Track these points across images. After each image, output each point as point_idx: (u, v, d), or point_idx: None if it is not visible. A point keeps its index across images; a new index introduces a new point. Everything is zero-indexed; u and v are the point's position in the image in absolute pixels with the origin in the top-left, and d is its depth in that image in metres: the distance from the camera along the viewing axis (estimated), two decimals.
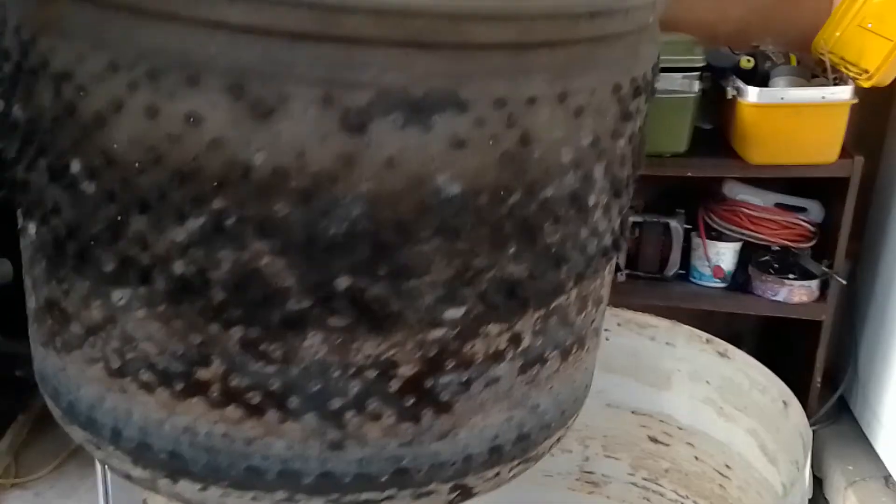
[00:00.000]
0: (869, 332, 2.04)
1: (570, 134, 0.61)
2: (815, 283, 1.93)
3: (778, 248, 1.97)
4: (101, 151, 0.59)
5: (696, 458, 1.23)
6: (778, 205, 1.96)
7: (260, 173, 0.57)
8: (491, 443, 0.71)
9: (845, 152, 1.84)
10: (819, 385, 1.97)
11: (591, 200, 0.65)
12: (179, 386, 0.63)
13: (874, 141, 2.00)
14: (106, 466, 0.82)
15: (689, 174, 1.84)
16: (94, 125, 0.58)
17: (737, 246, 1.96)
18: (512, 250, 0.62)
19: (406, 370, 0.63)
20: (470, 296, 0.61)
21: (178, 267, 0.59)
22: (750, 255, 1.98)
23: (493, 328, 0.64)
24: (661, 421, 1.23)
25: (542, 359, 0.69)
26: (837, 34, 1.87)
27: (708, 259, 1.96)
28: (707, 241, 1.95)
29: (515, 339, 0.66)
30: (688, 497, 1.25)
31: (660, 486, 1.28)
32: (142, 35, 0.57)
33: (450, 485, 0.70)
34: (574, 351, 0.72)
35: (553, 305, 0.67)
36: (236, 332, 0.61)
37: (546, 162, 0.61)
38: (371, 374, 0.62)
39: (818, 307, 1.94)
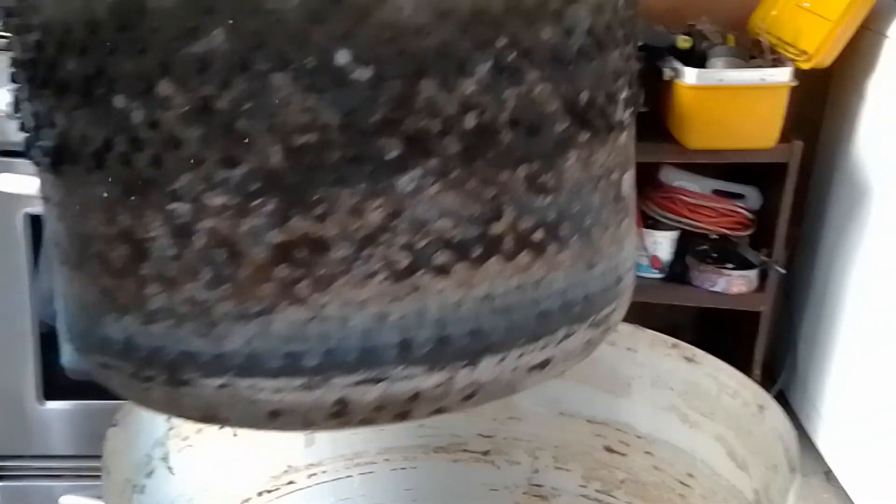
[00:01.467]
0: (807, 322, 2.03)
1: None
2: (753, 273, 1.91)
3: (716, 236, 1.95)
4: (379, 29, 0.58)
5: (655, 467, 1.15)
6: (716, 191, 1.94)
7: (530, 1, 0.61)
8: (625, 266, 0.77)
9: (784, 137, 1.81)
10: (758, 378, 1.95)
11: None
12: (477, 251, 0.63)
13: (812, 125, 1.99)
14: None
15: None
16: (373, 3, 0.58)
17: (674, 234, 1.94)
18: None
19: (616, 175, 0.69)
20: (629, 97, 0.69)
21: (469, 121, 0.60)
22: (688, 244, 1.95)
23: (633, 131, 0.72)
24: (617, 430, 1.16)
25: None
26: (774, 13, 1.86)
27: (645, 249, 1.92)
28: (643, 229, 1.91)
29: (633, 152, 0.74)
30: None
31: (614, 497, 1.20)
32: None
33: (629, 294, 0.77)
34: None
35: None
36: (522, 171, 0.63)
37: None
38: (602, 184, 0.68)
39: (757, 297, 1.92)
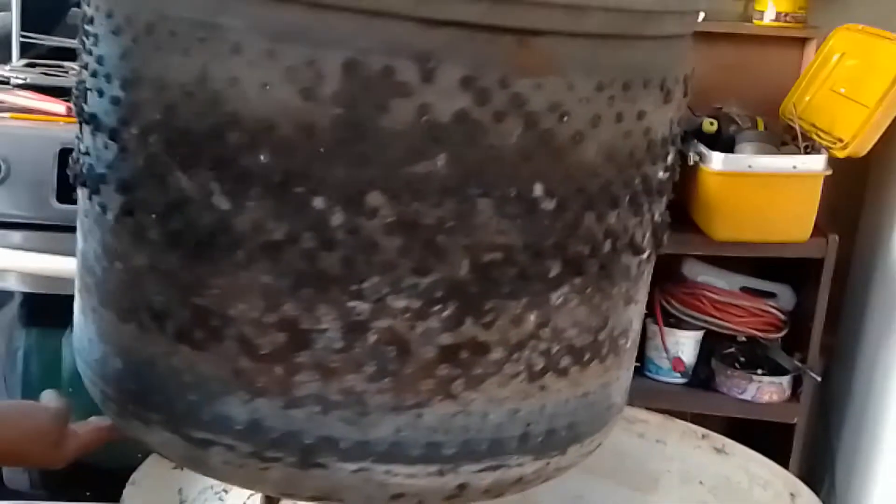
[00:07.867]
0: (846, 436, 2.03)
1: None
2: (786, 380, 1.92)
3: (745, 338, 1.96)
4: (568, 167, 0.73)
5: None
6: (744, 289, 1.96)
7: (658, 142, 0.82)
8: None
9: (818, 230, 1.84)
10: None
11: None
12: (587, 355, 0.79)
13: (849, 219, 2.03)
14: None
15: None
16: (569, 146, 0.73)
17: (698, 335, 1.95)
18: None
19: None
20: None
21: (607, 246, 0.76)
22: (713, 346, 1.97)
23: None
24: None
25: None
26: (807, 98, 1.90)
27: (666, 350, 1.94)
28: (664, 328, 1.93)
29: None
30: None
31: None
32: (621, 55, 0.76)
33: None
34: None
35: None
36: (623, 288, 0.82)
37: None
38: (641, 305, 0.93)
39: (790, 408, 1.92)
